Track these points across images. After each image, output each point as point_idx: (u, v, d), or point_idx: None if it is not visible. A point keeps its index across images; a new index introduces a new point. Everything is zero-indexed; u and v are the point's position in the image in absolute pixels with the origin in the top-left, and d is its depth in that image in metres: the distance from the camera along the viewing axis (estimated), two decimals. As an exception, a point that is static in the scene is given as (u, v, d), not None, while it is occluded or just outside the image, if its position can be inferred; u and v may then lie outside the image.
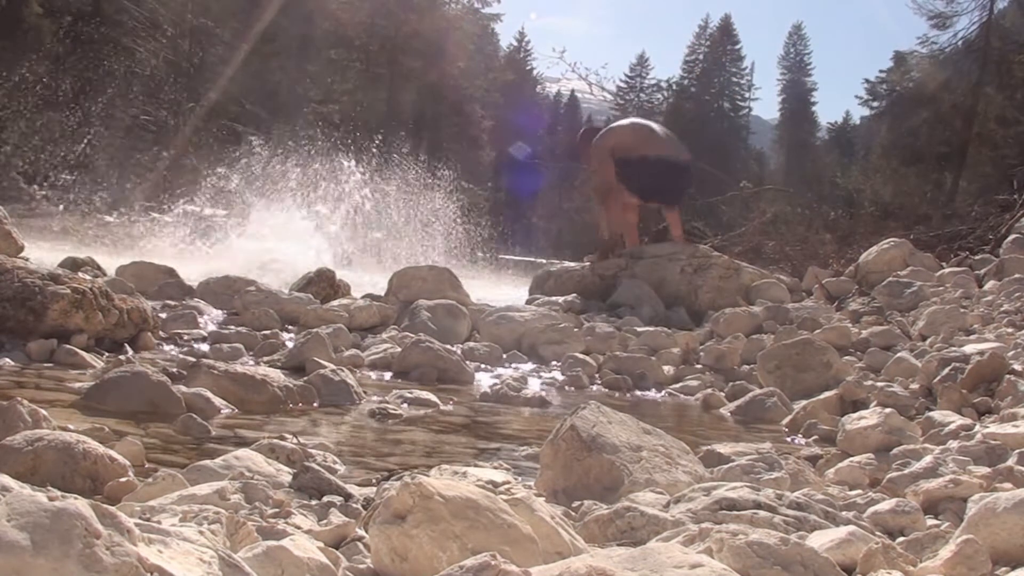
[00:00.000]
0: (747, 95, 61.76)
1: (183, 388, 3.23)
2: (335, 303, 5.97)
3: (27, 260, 4.69)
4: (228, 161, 13.87)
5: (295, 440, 2.56)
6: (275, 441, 2.48)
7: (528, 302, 7.40)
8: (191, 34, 30.22)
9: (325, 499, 1.93)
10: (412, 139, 39.53)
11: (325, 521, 1.75)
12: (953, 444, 2.68)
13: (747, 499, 1.83)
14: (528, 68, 64.53)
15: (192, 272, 7.13)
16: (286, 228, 10.47)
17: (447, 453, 2.92)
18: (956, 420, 3.13)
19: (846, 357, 4.84)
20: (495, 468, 2.47)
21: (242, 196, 12.42)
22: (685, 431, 3.59)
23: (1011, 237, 7.94)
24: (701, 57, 61.27)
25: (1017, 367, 3.68)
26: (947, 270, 7.50)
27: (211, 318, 5.59)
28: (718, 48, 60.83)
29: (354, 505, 1.92)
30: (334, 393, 3.66)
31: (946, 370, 3.79)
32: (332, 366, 3.93)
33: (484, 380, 4.65)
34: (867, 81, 32.12)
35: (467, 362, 4.82)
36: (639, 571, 1.24)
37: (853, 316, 6.23)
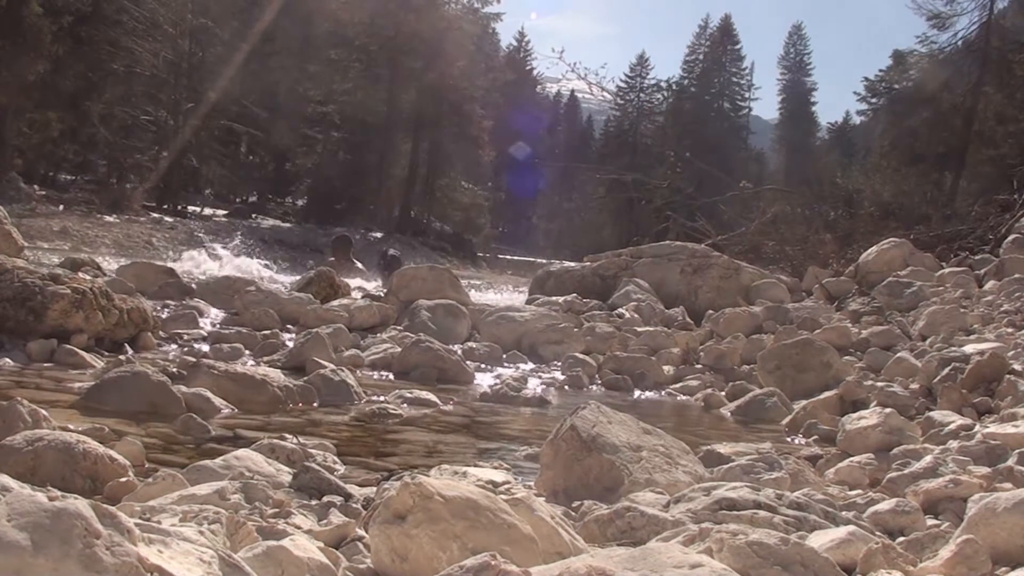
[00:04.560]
0: (747, 95, 61.69)
1: (183, 388, 3.22)
2: (335, 303, 5.97)
3: (27, 260, 4.68)
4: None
5: (295, 440, 2.56)
6: (275, 441, 2.48)
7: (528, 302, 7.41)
8: (191, 34, 30.15)
9: (325, 499, 1.93)
10: (412, 139, 39.50)
11: (325, 521, 1.75)
12: (953, 444, 2.68)
13: (747, 499, 1.82)
14: (528, 68, 64.47)
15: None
16: None
17: (447, 453, 2.92)
18: (956, 420, 3.13)
19: (846, 357, 4.84)
20: (495, 468, 2.48)
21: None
22: (685, 431, 3.59)
23: (1011, 237, 7.94)
24: (701, 57, 61.19)
25: (1017, 367, 3.68)
26: (947, 270, 7.49)
27: (211, 318, 5.59)
28: (718, 48, 60.73)
29: (354, 505, 1.92)
30: (334, 393, 3.66)
31: (946, 370, 3.79)
32: (332, 366, 3.93)
33: (484, 380, 4.65)
34: (866, 79, 32.06)
35: (467, 362, 4.82)
36: (639, 571, 1.24)
37: (853, 316, 6.23)
